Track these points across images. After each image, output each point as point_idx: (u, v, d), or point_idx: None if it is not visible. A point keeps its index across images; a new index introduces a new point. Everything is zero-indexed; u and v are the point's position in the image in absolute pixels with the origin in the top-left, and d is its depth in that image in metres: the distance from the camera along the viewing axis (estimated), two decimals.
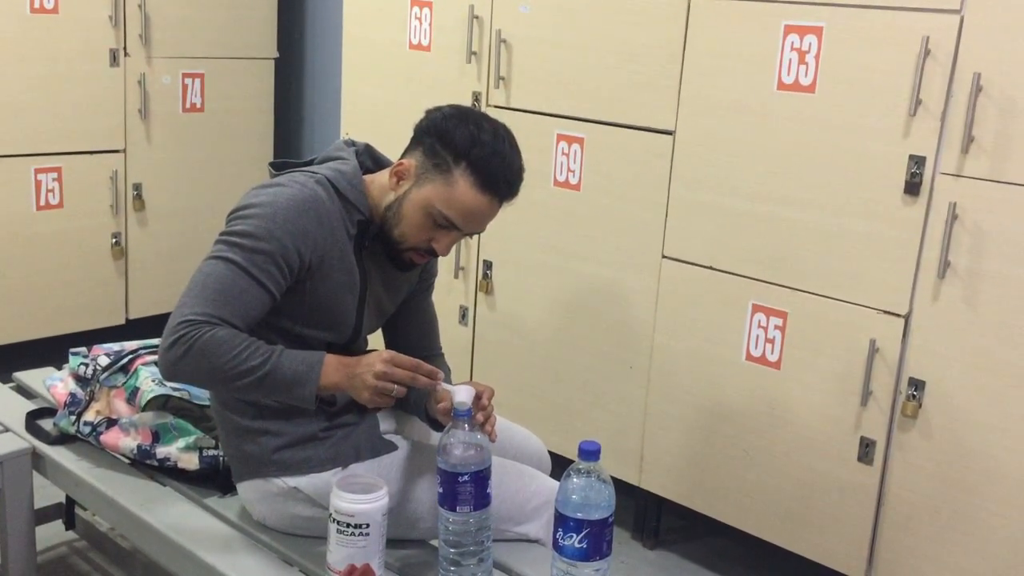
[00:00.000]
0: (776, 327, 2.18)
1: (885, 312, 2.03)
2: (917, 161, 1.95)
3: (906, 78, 1.94)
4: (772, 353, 2.20)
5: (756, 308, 2.21)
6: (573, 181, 2.51)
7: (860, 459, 2.09)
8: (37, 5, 3.02)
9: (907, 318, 2.01)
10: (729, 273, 2.25)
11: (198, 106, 3.47)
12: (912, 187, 1.96)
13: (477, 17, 2.63)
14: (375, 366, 1.51)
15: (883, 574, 2.11)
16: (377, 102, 2.92)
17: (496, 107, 2.63)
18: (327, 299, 1.62)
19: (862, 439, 2.09)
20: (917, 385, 2.01)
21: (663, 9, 2.27)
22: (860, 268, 2.05)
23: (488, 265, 2.71)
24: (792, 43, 2.08)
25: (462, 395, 1.51)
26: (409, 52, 2.81)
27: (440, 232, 1.61)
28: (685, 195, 2.30)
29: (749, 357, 2.23)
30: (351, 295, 1.64)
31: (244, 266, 1.51)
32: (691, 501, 2.40)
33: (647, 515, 2.58)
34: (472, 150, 1.56)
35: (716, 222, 2.25)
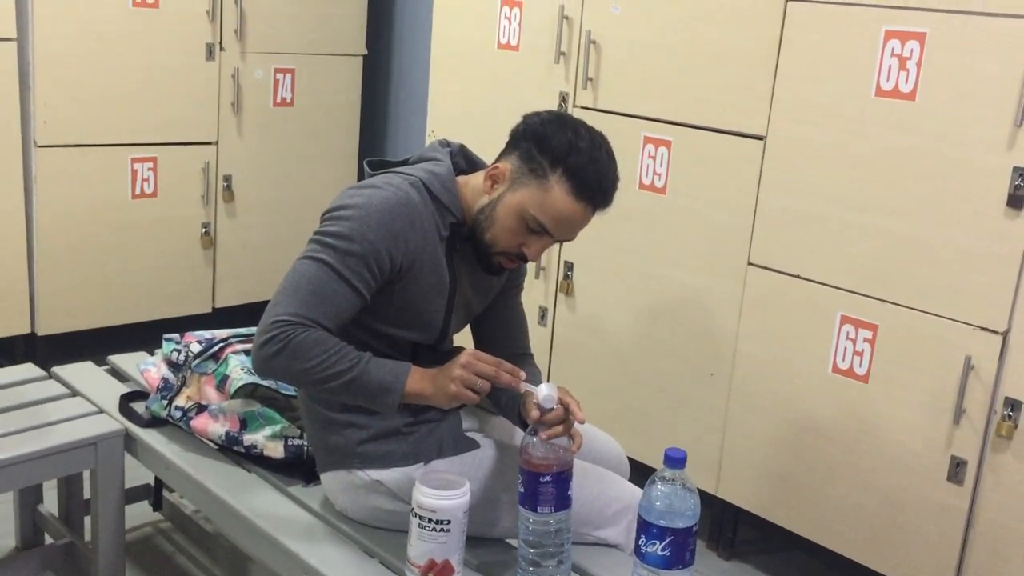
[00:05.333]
0: (865, 340, 2.13)
1: (982, 328, 1.96)
2: (1022, 173, 1.88)
3: (1013, 86, 1.87)
4: (860, 366, 2.14)
5: (845, 319, 2.16)
6: (659, 184, 2.49)
7: (950, 479, 2.03)
8: (139, 0, 3.11)
9: (1005, 335, 1.94)
10: (818, 283, 2.20)
11: (288, 101, 3.54)
12: (1016, 200, 1.89)
13: (567, 17, 2.62)
14: (460, 359, 1.53)
15: None
16: (463, 100, 2.94)
17: (583, 108, 2.62)
18: (416, 301, 1.63)
19: (953, 458, 2.02)
20: (1014, 405, 1.94)
21: (758, 11, 2.24)
22: (957, 282, 1.99)
23: (569, 266, 2.71)
24: (893, 49, 2.03)
25: (546, 390, 1.51)
26: (497, 51, 2.82)
27: (532, 237, 1.61)
28: (774, 201, 2.26)
29: (836, 369, 2.18)
30: (440, 297, 1.66)
31: (336, 268, 1.53)
32: (770, 513, 2.36)
33: (723, 525, 2.54)
34: (569, 157, 1.55)
35: (806, 230, 2.21)
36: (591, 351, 2.69)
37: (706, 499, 2.46)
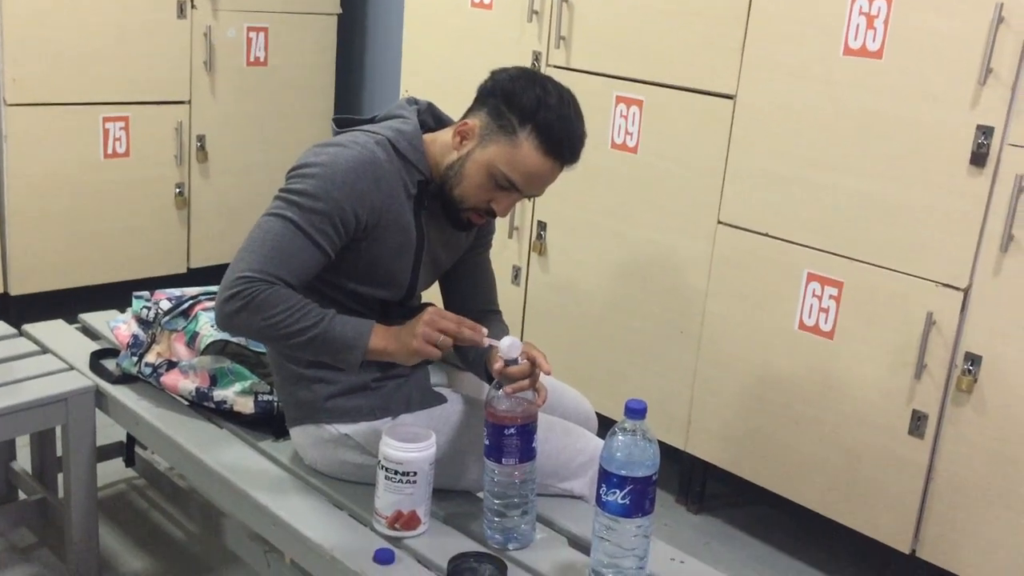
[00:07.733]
0: (831, 296, 2.16)
1: (944, 285, 1.99)
2: (985, 131, 1.91)
3: (977, 46, 1.89)
4: (826, 323, 2.18)
5: (811, 277, 2.19)
6: (630, 144, 2.49)
7: (911, 432, 2.07)
8: None
9: (967, 292, 1.97)
10: (785, 241, 2.23)
11: (262, 60, 3.51)
12: (978, 158, 1.92)
13: None
14: (423, 316, 1.54)
15: (929, 548, 2.10)
16: (437, 59, 2.93)
17: (555, 67, 2.61)
18: (383, 258, 1.64)
19: (914, 412, 2.06)
20: (974, 360, 1.98)
21: None
22: (920, 239, 2.01)
23: (542, 226, 2.72)
24: (860, 7, 2.04)
25: (509, 341, 1.53)
26: (471, 10, 2.81)
27: (501, 193, 1.62)
28: (744, 160, 2.28)
29: (802, 326, 2.22)
30: (407, 254, 1.66)
31: (301, 225, 1.53)
32: (737, 467, 2.40)
33: (692, 479, 2.59)
34: (538, 113, 1.56)
35: (774, 189, 2.23)
36: (564, 310, 2.71)
37: (675, 454, 2.51)
